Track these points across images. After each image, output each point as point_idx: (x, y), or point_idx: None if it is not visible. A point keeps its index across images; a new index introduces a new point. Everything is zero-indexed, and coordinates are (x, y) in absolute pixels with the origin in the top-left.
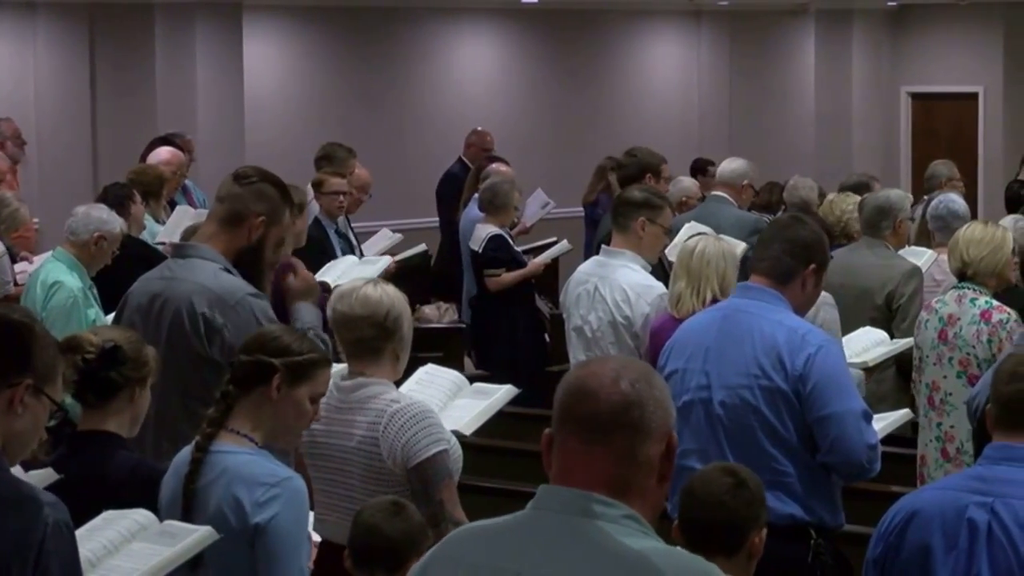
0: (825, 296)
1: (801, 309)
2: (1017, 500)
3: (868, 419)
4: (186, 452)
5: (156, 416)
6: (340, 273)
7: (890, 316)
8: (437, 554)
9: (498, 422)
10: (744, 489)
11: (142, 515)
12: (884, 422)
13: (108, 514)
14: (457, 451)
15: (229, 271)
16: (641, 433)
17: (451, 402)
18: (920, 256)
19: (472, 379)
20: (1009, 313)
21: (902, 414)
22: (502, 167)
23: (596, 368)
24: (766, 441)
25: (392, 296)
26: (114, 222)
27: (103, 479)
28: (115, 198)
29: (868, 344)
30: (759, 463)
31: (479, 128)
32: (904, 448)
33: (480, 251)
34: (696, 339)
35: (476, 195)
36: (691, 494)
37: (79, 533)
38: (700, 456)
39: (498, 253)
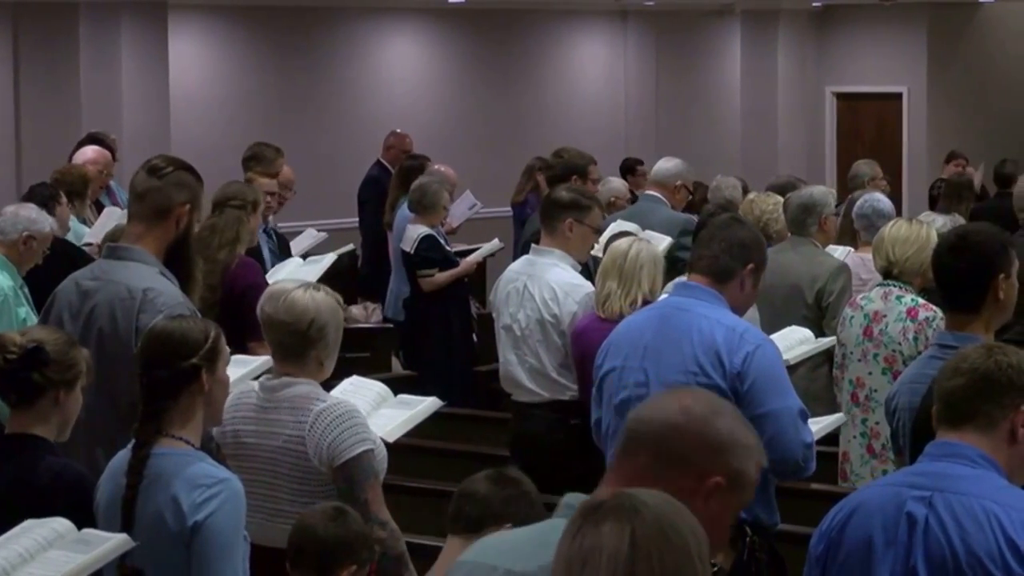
0: None
1: (739, 308)
2: (953, 494)
3: (804, 418)
4: (123, 455)
5: (87, 421)
6: (285, 276)
7: (820, 314)
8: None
9: (425, 421)
10: None
11: (60, 523)
12: (818, 425)
13: (27, 523)
14: (382, 451)
15: (164, 275)
16: (670, 461)
17: (375, 411)
18: (835, 253)
19: (400, 380)
20: (935, 311)
21: (836, 418)
22: (440, 167)
23: (673, 391)
24: None
25: (319, 304)
26: (43, 222)
27: (29, 483)
28: (40, 198)
29: (791, 343)
30: None
31: (397, 130)
32: (821, 446)
33: (412, 252)
34: (634, 337)
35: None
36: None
37: None
38: None
39: (430, 253)
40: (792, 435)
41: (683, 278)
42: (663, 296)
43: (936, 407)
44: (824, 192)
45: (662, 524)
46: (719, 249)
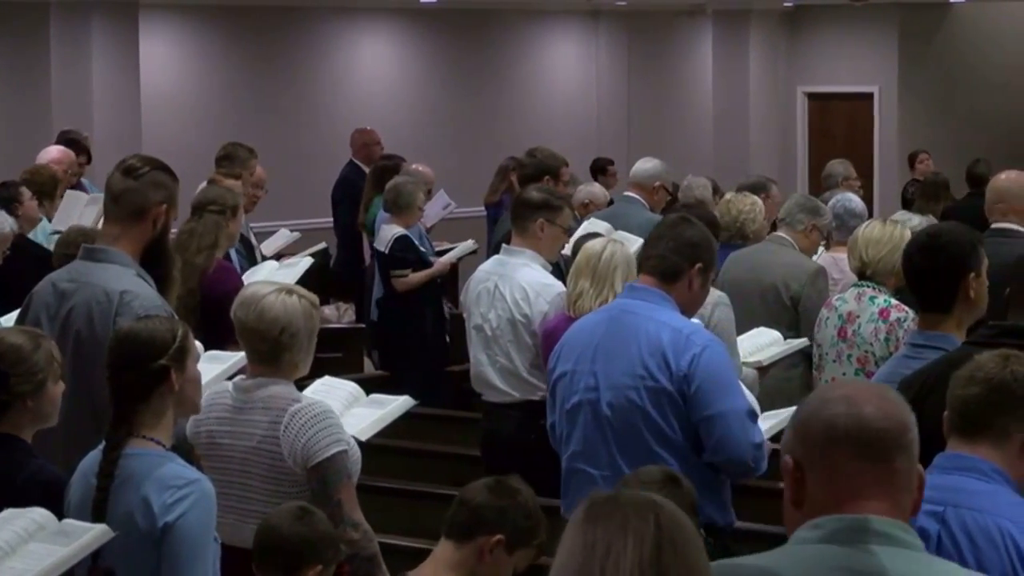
0: (720, 296)
1: (688, 309)
2: (966, 509)
3: (753, 418)
4: (94, 456)
5: (65, 423)
6: (261, 280)
7: (796, 314)
8: None
9: (397, 422)
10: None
11: (40, 514)
12: (776, 419)
13: (6, 514)
14: (356, 453)
15: (141, 276)
16: (914, 457)
17: (348, 411)
18: None
19: (373, 380)
20: (907, 312)
21: (790, 412)
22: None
23: (858, 390)
24: (652, 441)
25: (290, 310)
26: (3, 223)
27: (3, 484)
28: (2, 199)
29: (763, 344)
30: (646, 463)
31: (367, 127)
32: None
33: (386, 252)
34: (584, 340)
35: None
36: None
37: None
38: (589, 458)
39: (404, 254)
40: (740, 436)
41: None
42: None
43: (948, 415)
44: (829, 210)
45: (678, 517)
46: (666, 248)
